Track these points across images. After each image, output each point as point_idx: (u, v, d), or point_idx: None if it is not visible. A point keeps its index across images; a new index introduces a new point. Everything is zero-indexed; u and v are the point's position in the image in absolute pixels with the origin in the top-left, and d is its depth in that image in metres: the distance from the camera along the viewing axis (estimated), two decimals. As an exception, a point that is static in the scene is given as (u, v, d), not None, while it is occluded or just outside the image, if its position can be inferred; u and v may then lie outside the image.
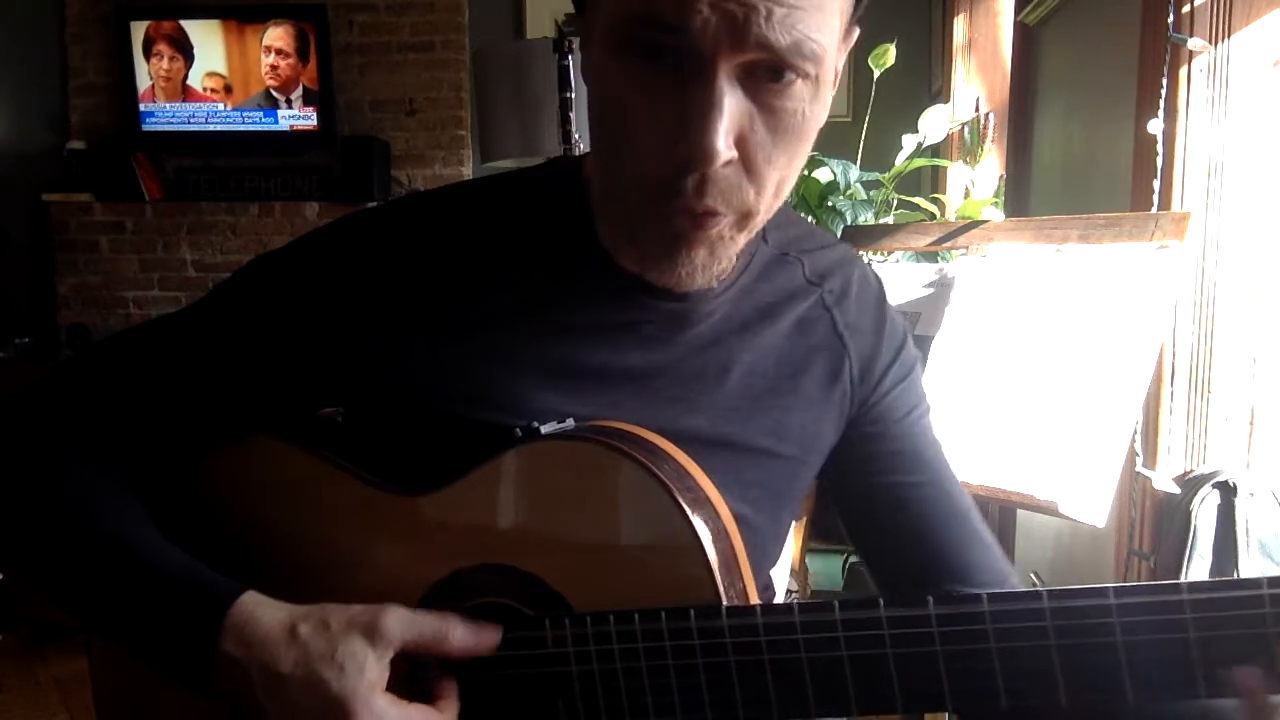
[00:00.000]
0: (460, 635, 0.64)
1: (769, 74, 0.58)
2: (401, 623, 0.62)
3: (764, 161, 0.61)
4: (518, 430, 0.68)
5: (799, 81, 0.59)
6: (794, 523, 0.85)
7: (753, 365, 0.76)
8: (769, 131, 0.60)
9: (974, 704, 0.59)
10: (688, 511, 0.64)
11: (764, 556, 0.79)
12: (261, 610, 0.63)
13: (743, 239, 0.66)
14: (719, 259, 0.65)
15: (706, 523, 0.65)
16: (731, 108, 0.57)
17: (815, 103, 0.61)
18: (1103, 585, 0.56)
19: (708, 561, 0.63)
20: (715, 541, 0.65)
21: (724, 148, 0.57)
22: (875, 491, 0.81)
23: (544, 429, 0.68)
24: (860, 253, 1.88)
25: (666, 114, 0.58)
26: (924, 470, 0.82)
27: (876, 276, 0.84)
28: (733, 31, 0.55)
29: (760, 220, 0.65)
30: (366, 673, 0.60)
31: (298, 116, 3.73)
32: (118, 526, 0.68)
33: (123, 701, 0.81)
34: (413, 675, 0.65)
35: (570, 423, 0.69)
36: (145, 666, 0.66)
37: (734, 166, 0.60)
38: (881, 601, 0.59)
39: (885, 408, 0.82)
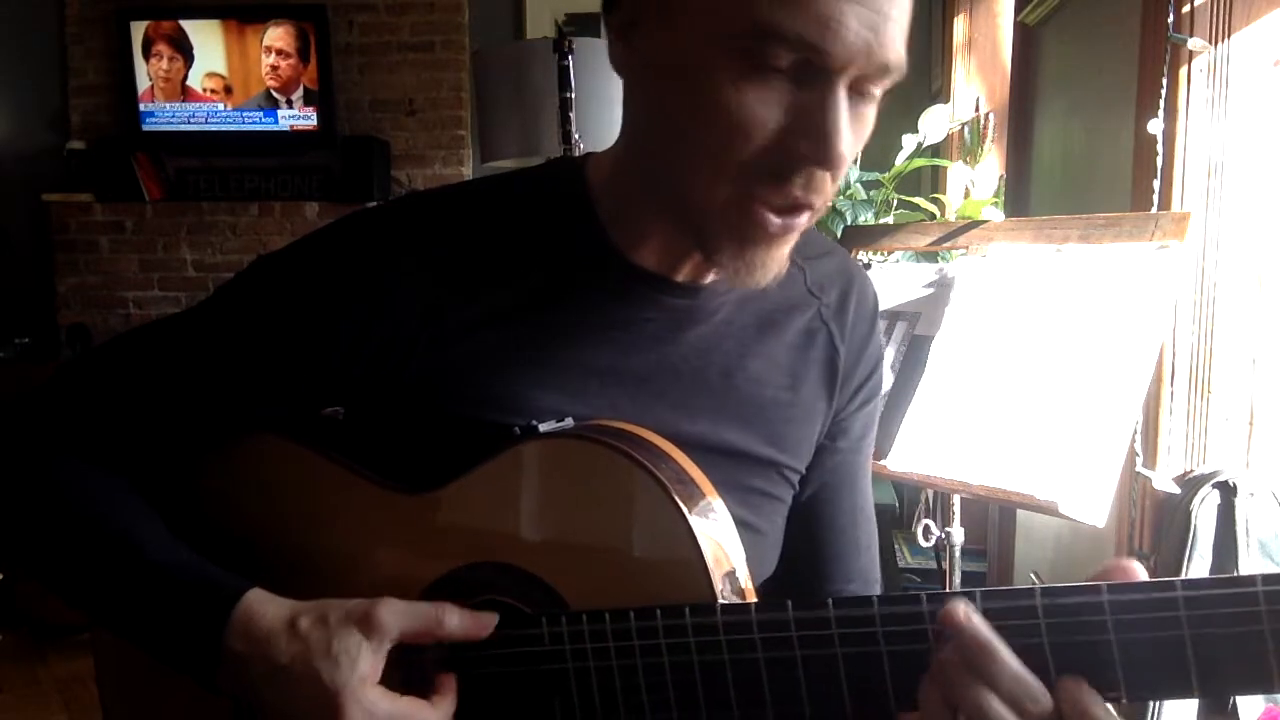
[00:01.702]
0: (455, 620, 0.64)
1: (862, 90, 0.62)
2: (396, 614, 0.63)
3: (849, 161, 0.64)
4: (517, 429, 0.68)
5: (876, 100, 0.64)
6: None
7: (756, 374, 0.77)
8: (854, 136, 0.63)
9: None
10: (685, 511, 0.64)
11: (763, 563, 0.79)
12: (265, 606, 0.64)
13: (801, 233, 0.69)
14: (785, 257, 0.68)
15: (704, 523, 0.65)
16: (848, 116, 0.61)
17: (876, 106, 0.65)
18: (1097, 583, 0.56)
19: (704, 561, 0.63)
20: (712, 541, 0.65)
21: (847, 153, 0.61)
22: (801, 503, 0.83)
23: (543, 428, 0.68)
24: (860, 253, 1.89)
25: (787, 116, 0.61)
26: (850, 498, 0.86)
27: (874, 292, 0.86)
28: (866, 52, 0.59)
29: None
30: (359, 666, 0.61)
31: (298, 116, 3.73)
32: (125, 525, 0.69)
33: (128, 700, 0.81)
34: (410, 670, 0.65)
35: (569, 422, 0.70)
36: (151, 665, 0.67)
37: None
38: (875, 600, 0.60)
39: (847, 426, 0.84)
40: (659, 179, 0.68)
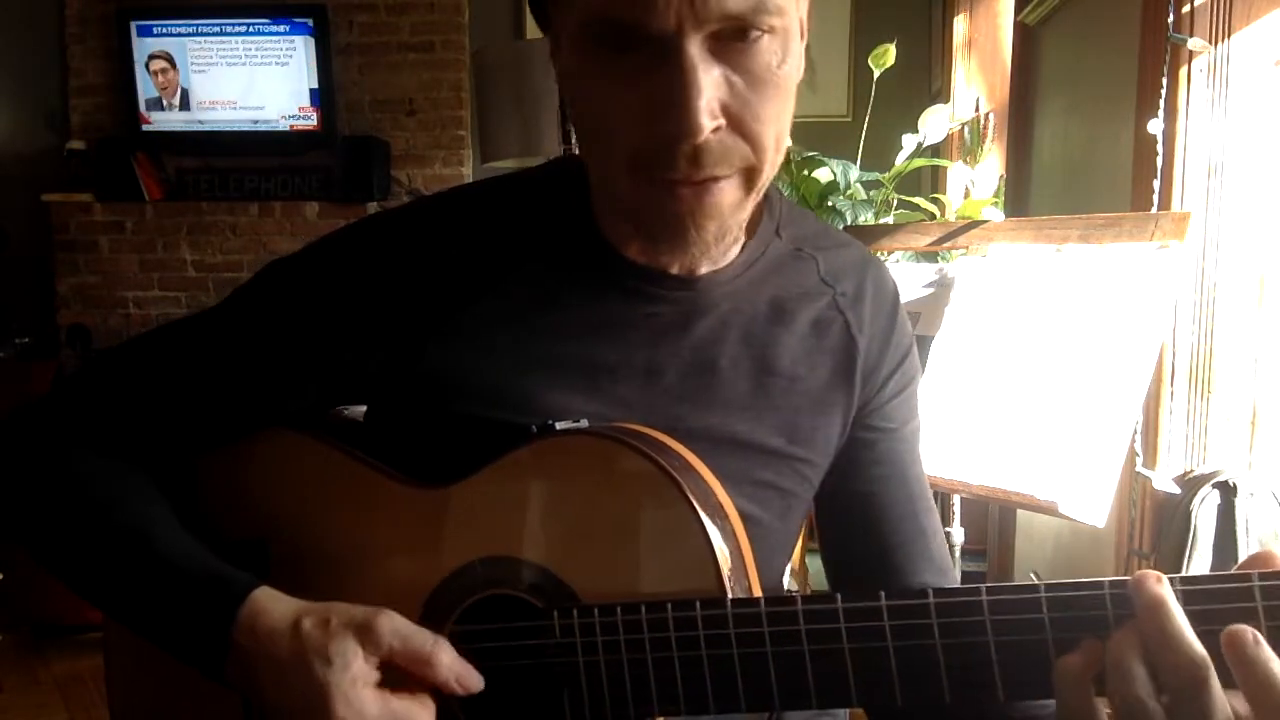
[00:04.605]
0: (447, 663, 0.63)
1: (735, 35, 0.59)
2: (393, 630, 0.63)
3: (752, 120, 0.61)
4: (533, 427, 0.69)
5: (765, 37, 0.60)
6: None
7: (766, 364, 0.76)
8: (749, 90, 0.61)
9: (969, 695, 0.59)
10: (698, 509, 0.64)
11: (773, 556, 0.80)
12: (273, 604, 0.65)
13: (750, 202, 0.66)
14: (729, 229, 0.66)
15: (715, 521, 0.65)
16: (707, 78, 0.59)
17: (786, 54, 0.62)
18: (1098, 578, 0.56)
19: (715, 559, 0.64)
20: (724, 540, 0.65)
21: (708, 119, 0.59)
22: (851, 499, 0.83)
23: (559, 427, 0.69)
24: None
25: (646, 97, 0.59)
26: (903, 487, 0.83)
27: (893, 282, 0.84)
28: (692, 11, 0.57)
29: (766, 178, 0.65)
30: (351, 668, 0.61)
31: (298, 116, 3.73)
32: (140, 520, 0.70)
33: (136, 701, 0.81)
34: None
35: (584, 422, 0.70)
36: (161, 666, 0.68)
37: (724, 131, 0.61)
38: (883, 594, 0.60)
39: (881, 416, 0.83)
40: (596, 180, 0.70)
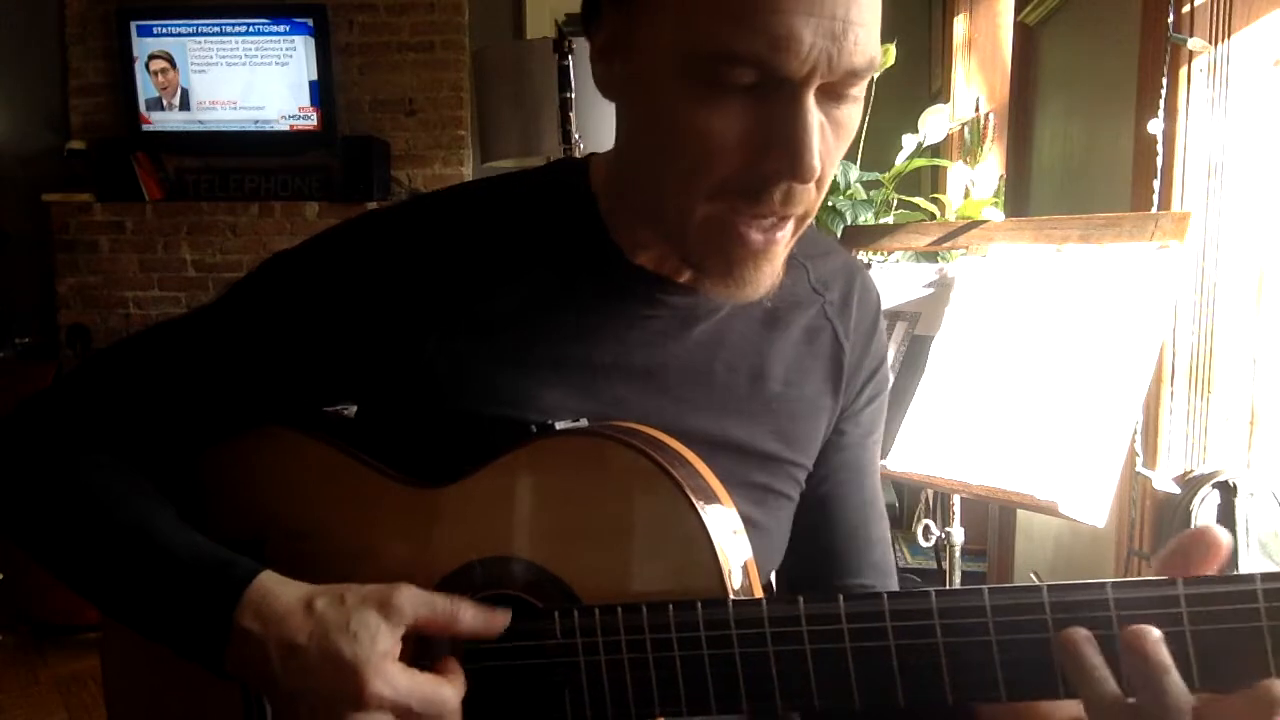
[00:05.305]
0: (470, 616, 0.64)
1: (839, 87, 0.61)
2: (413, 601, 0.63)
3: (829, 166, 0.63)
4: (533, 426, 0.69)
5: (858, 91, 0.63)
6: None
7: (760, 370, 0.77)
8: (834, 138, 0.63)
9: (973, 694, 0.59)
10: (699, 509, 0.64)
11: (769, 558, 0.80)
12: (280, 587, 0.65)
13: (794, 240, 0.68)
14: (778, 267, 0.68)
15: (716, 520, 0.66)
16: (817, 123, 0.60)
17: (860, 105, 0.64)
18: (1100, 580, 0.57)
19: (716, 559, 0.64)
20: (724, 538, 0.66)
21: (819, 163, 0.60)
22: (811, 501, 0.83)
23: (559, 425, 0.69)
24: (859, 253, 1.89)
25: (759, 133, 0.60)
26: (859, 493, 0.85)
27: (876, 290, 0.86)
28: (828, 63, 0.58)
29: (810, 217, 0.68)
30: (379, 642, 0.61)
31: (298, 116, 3.73)
32: (139, 512, 0.70)
33: (134, 702, 0.81)
34: (422, 655, 0.66)
35: (584, 421, 0.71)
36: (159, 667, 0.67)
37: None
38: (885, 595, 0.60)
39: (853, 421, 0.84)
40: (644, 194, 0.69)
